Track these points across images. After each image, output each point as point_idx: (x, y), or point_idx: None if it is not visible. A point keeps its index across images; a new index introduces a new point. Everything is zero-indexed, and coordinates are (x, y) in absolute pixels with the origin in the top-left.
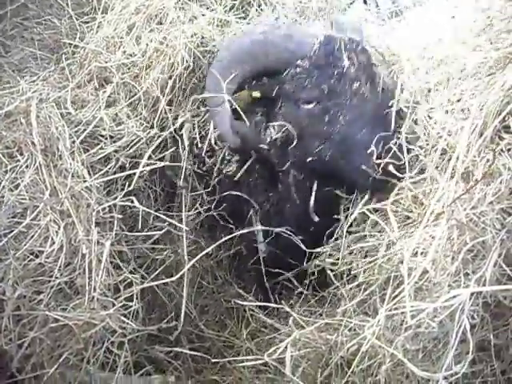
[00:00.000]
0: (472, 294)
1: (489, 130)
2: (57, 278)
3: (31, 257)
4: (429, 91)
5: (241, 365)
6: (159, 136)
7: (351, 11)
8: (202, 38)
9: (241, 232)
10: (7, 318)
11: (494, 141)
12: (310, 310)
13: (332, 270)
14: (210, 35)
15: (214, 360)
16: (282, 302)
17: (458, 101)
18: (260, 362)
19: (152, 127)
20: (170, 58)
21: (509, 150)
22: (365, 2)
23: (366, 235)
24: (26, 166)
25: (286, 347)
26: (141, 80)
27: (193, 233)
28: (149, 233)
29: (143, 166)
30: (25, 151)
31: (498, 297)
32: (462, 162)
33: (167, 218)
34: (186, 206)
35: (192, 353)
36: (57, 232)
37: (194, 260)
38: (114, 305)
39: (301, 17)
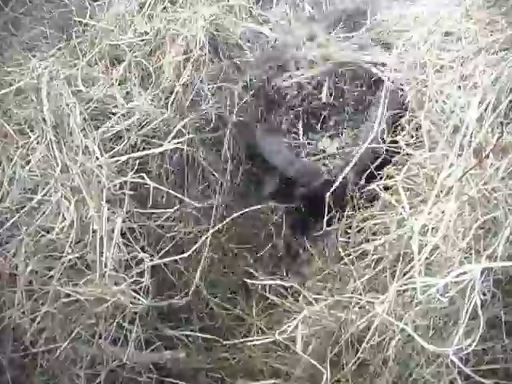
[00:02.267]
0: (483, 270)
1: (502, 106)
2: (68, 253)
3: (42, 233)
4: (441, 67)
5: (251, 344)
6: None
7: None
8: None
9: (250, 209)
10: (20, 293)
11: (507, 116)
12: (320, 285)
13: (343, 248)
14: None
15: (224, 342)
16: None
17: (471, 76)
18: (270, 340)
19: (166, 109)
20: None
21: None
22: None
23: (376, 213)
24: (37, 143)
25: (296, 325)
26: (154, 60)
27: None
28: (160, 210)
29: (160, 149)
30: (36, 128)
31: (509, 273)
32: (473, 136)
33: (179, 195)
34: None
35: (201, 335)
36: (68, 208)
37: (205, 237)
38: (125, 280)
39: None
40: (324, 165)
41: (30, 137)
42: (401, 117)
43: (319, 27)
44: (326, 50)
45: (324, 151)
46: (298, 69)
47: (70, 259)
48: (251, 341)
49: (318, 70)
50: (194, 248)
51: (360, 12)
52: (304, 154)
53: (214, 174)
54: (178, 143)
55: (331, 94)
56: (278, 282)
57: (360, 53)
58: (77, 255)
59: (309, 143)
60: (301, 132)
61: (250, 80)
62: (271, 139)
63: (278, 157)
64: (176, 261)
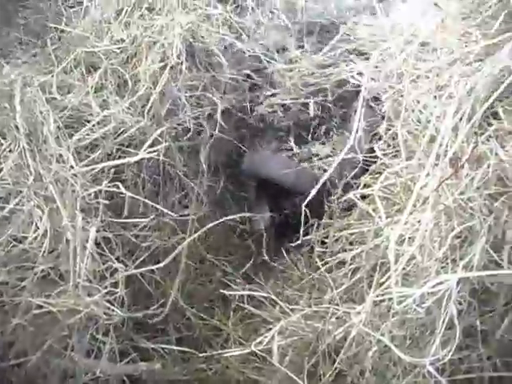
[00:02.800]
0: (459, 279)
1: (477, 116)
2: (41, 264)
3: (14, 243)
4: (417, 77)
5: (228, 354)
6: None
7: None
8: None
9: (228, 218)
10: None
11: (482, 126)
12: (298, 294)
13: (320, 257)
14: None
15: (200, 354)
16: (269, 290)
17: (447, 86)
18: (247, 351)
19: (142, 117)
20: (163, 48)
21: (497, 136)
22: None
23: (353, 222)
24: (10, 151)
25: (273, 336)
26: (131, 67)
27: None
28: (136, 220)
29: (136, 158)
30: (8, 135)
31: (485, 282)
32: (448, 146)
33: (155, 204)
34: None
35: (177, 348)
36: (41, 217)
37: (181, 246)
38: (99, 291)
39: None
40: (319, 169)
41: (2, 144)
42: (378, 126)
43: (293, 37)
44: (300, 63)
45: (317, 155)
46: (274, 87)
47: (42, 269)
48: (228, 352)
49: (305, 92)
50: (170, 258)
51: (335, 22)
52: (298, 161)
53: (190, 184)
54: (154, 152)
55: (318, 108)
56: (255, 292)
57: (336, 63)
58: (50, 265)
59: (301, 151)
60: (293, 144)
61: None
62: (262, 155)
63: (272, 167)
64: (152, 271)
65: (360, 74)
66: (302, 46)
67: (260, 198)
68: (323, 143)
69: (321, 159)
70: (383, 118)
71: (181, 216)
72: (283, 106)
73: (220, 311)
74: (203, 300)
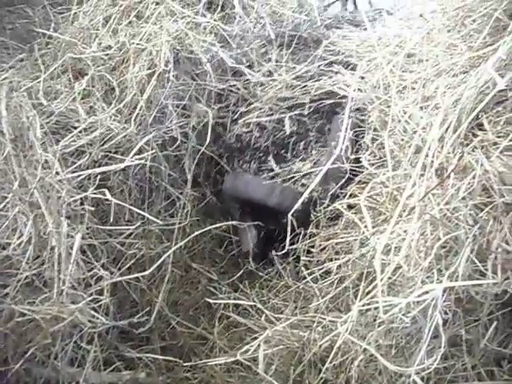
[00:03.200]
0: (445, 289)
1: (462, 127)
2: (25, 270)
3: None
4: (404, 88)
5: (213, 363)
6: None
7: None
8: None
9: (213, 226)
10: None
11: (467, 137)
12: (283, 303)
13: (306, 267)
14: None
15: (185, 364)
16: (255, 299)
17: (432, 98)
18: (232, 359)
19: (129, 124)
20: (150, 55)
21: (482, 147)
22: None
23: (339, 232)
24: None
25: (258, 345)
26: (118, 74)
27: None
28: (122, 227)
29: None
30: None
31: (470, 292)
32: (434, 157)
33: (142, 212)
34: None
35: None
36: (25, 224)
37: (167, 254)
38: (83, 298)
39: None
40: (302, 185)
41: None
42: (363, 136)
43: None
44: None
45: (299, 172)
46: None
47: (26, 276)
48: (213, 361)
49: (282, 106)
50: (156, 265)
51: (322, 32)
52: (280, 182)
53: (176, 193)
54: (140, 159)
55: (293, 124)
56: (241, 301)
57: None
58: (34, 272)
59: (283, 171)
60: (273, 163)
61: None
62: (243, 179)
63: (255, 190)
64: (137, 279)
65: (346, 84)
66: (285, 56)
67: (244, 218)
68: (303, 159)
69: (304, 176)
70: (368, 128)
71: (167, 225)
72: (258, 124)
73: (205, 320)
74: (188, 308)
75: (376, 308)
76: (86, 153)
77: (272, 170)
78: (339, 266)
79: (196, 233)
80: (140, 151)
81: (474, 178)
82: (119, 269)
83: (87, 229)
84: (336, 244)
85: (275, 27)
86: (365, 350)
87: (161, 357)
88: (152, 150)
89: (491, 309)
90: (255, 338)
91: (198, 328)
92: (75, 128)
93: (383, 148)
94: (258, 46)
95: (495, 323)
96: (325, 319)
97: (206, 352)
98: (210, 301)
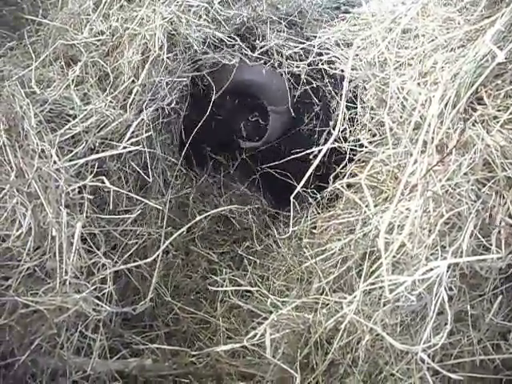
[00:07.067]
0: (449, 265)
1: (462, 102)
2: (26, 262)
3: None
4: (401, 64)
5: (219, 349)
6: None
7: None
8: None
9: (212, 212)
10: None
11: (467, 112)
12: (287, 285)
13: (308, 248)
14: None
15: (193, 352)
16: (258, 284)
17: (430, 73)
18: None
19: (125, 110)
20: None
21: (482, 121)
22: None
23: (340, 212)
24: None
25: (265, 330)
26: (112, 60)
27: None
28: (121, 216)
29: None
30: None
31: (474, 267)
32: (435, 133)
33: (142, 198)
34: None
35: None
36: (24, 214)
37: (169, 240)
38: (87, 287)
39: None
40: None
41: None
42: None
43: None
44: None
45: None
46: None
47: (28, 267)
48: (220, 348)
49: None
50: (159, 251)
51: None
52: None
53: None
54: (135, 142)
55: None
56: (245, 287)
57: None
58: (35, 263)
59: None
60: None
61: None
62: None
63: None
64: (139, 265)
65: (343, 62)
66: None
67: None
68: None
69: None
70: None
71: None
72: None
73: (207, 303)
74: (189, 292)
75: (381, 287)
76: (81, 141)
77: None
78: (342, 247)
79: (199, 217)
80: (135, 135)
81: (475, 153)
82: (120, 256)
83: (87, 218)
84: (338, 224)
85: (272, 8)
86: (371, 329)
87: (167, 347)
88: (147, 132)
89: (496, 283)
90: (258, 322)
91: (200, 312)
92: (70, 116)
93: (381, 126)
94: (254, 26)
95: (500, 297)
96: (330, 300)
97: (209, 336)
98: (213, 288)
